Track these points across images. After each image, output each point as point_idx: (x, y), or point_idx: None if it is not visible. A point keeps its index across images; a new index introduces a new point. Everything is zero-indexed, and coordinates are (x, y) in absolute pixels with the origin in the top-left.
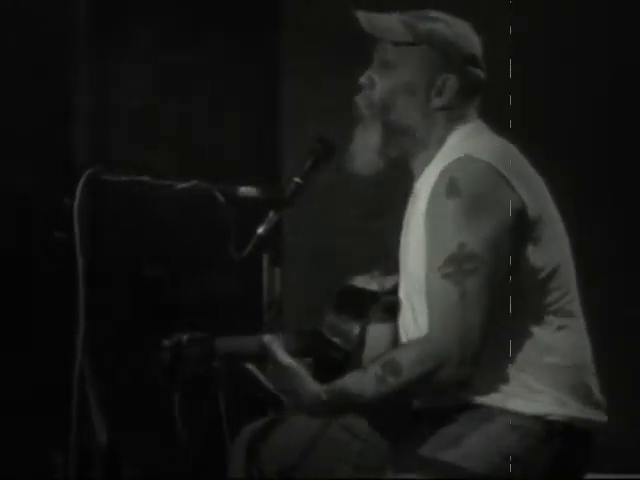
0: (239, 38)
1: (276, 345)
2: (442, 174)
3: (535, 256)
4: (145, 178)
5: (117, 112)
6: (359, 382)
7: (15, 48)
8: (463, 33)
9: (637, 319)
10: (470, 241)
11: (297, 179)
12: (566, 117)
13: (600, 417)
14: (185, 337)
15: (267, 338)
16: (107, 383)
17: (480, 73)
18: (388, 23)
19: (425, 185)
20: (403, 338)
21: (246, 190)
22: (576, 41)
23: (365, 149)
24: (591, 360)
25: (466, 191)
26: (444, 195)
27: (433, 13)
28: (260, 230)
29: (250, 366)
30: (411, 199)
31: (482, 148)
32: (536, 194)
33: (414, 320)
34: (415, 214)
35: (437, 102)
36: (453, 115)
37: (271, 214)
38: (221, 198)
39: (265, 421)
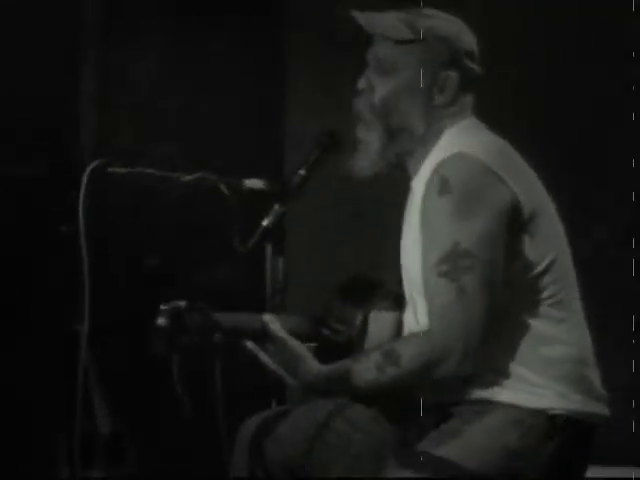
0: (244, 30)
1: (276, 324)
2: (434, 172)
3: (531, 250)
4: (150, 170)
5: (121, 105)
6: (359, 367)
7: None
8: (460, 29)
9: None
10: (464, 239)
11: (302, 171)
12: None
13: (602, 410)
14: (184, 303)
15: (267, 317)
16: (110, 372)
17: (477, 68)
18: (387, 21)
19: (420, 183)
20: (406, 332)
21: (251, 182)
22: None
23: (366, 152)
24: (592, 353)
25: (457, 189)
26: (436, 193)
27: (428, 10)
28: (265, 222)
29: (249, 343)
30: (409, 197)
31: (473, 144)
32: (530, 188)
33: (415, 317)
34: (412, 212)
35: (440, 99)
36: (450, 111)
37: (276, 206)
38: (226, 190)
39: (268, 413)
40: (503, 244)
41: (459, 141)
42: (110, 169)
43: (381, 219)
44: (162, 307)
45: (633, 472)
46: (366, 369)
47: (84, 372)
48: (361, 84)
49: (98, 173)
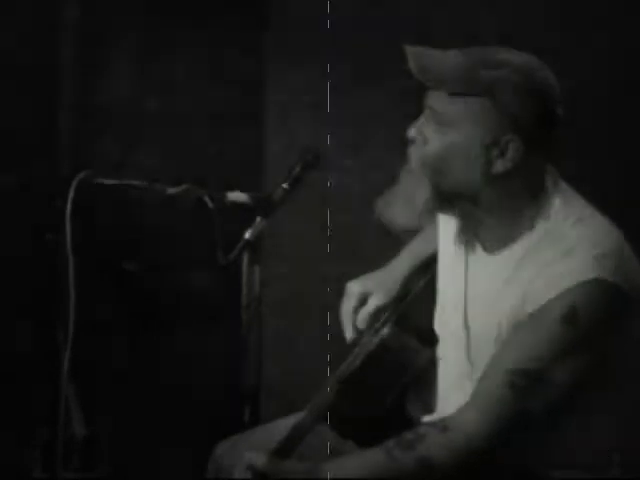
0: (224, 34)
1: (262, 458)
2: (564, 296)
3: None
4: (136, 182)
5: (103, 112)
6: (392, 473)
7: None
8: (539, 81)
9: None
10: (558, 371)
11: (285, 185)
12: None
13: None
14: None
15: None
16: (86, 375)
17: (556, 130)
18: (443, 67)
19: (515, 266)
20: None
21: (235, 195)
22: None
23: (411, 207)
24: None
25: (586, 322)
26: (560, 318)
27: (502, 53)
28: (247, 235)
29: None
30: (481, 257)
31: (612, 261)
32: None
33: (466, 355)
34: (497, 283)
35: (499, 166)
36: (527, 181)
37: (258, 219)
38: (210, 204)
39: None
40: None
41: (587, 244)
42: (97, 180)
43: (357, 234)
44: None
45: None
46: (401, 478)
47: (68, 376)
48: (412, 133)
49: (85, 184)
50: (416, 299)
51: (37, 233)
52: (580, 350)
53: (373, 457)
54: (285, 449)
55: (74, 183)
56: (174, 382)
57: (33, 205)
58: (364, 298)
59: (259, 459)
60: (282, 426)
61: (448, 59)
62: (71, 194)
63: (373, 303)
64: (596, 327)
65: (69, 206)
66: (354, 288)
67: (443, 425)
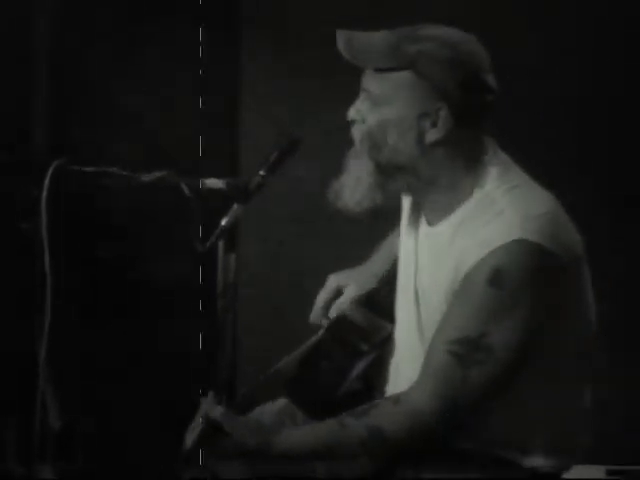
0: (199, 29)
1: (216, 409)
2: (488, 258)
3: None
4: (112, 169)
5: (78, 100)
6: (342, 440)
7: None
8: (462, 52)
9: None
10: (494, 335)
11: (262, 172)
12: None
13: None
14: None
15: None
16: (62, 365)
17: (486, 98)
18: (369, 45)
19: (452, 235)
20: (400, 345)
21: (211, 182)
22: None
23: (358, 186)
24: None
25: (512, 284)
26: (485, 282)
27: (428, 29)
28: (224, 222)
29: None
30: (425, 230)
31: (538, 223)
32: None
33: (417, 329)
34: (437, 255)
35: (431, 135)
36: (462, 150)
37: (235, 206)
38: (187, 191)
39: None
40: (534, 340)
41: (517, 208)
42: (73, 167)
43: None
44: None
45: None
46: (351, 444)
47: (45, 366)
48: (351, 114)
49: (60, 171)
50: (383, 285)
51: (13, 222)
52: (510, 312)
53: (325, 425)
54: (240, 407)
55: (50, 171)
56: (150, 371)
57: (8, 193)
58: (340, 290)
59: (215, 410)
60: (256, 413)
61: (375, 38)
62: (47, 182)
63: (348, 294)
64: (522, 289)
65: (45, 194)
66: (332, 280)
67: (395, 398)
